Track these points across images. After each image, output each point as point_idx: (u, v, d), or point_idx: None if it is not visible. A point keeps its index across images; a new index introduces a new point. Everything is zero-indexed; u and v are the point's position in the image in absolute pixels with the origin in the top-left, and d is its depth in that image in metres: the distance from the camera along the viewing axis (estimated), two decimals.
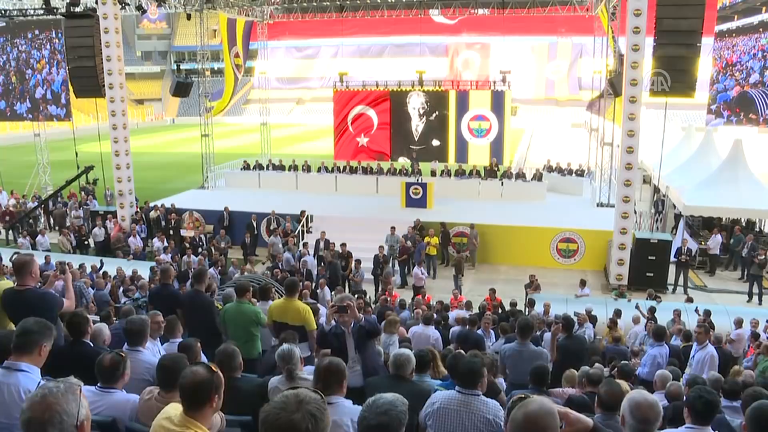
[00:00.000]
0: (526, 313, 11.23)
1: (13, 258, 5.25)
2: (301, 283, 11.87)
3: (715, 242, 16.84)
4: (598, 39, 23.07)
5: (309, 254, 15.85)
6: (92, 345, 4.36)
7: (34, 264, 4.85)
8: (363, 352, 5.06)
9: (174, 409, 2.62)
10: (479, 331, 8.67)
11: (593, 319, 10.80)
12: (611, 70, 20.36)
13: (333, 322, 5.19)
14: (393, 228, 16.58)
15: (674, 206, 18.68)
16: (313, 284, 12.90)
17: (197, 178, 25.33)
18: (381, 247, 15.59)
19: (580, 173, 23.14)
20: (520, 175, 21.95)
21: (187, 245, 16.53)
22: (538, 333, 8.37)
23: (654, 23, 14.06)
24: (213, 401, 2.57)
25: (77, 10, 19.32)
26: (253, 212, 18.52)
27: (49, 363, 3.26)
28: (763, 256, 15.12)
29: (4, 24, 24.10)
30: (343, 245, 15.63)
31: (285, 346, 4.19)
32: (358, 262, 14.94)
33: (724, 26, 25.28)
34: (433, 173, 22.23)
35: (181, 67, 24.45)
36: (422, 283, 14.99)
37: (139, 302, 9.07)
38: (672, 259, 15.72)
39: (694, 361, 7.63)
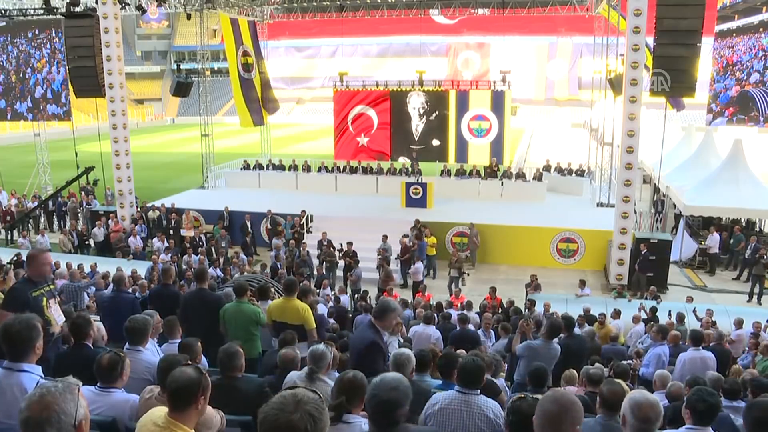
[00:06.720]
0: (527, 313, 11.18)
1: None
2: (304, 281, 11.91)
3: (713, 240, 16.83)
4: (599, 39, 23.04)
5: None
6: (92, 347, 4.35)
7: (43, 257, 5.05)
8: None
9: (160, 410, 2.62)
10: (479, 331, 8.66)
11: (591, 320, 10.77)
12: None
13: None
14: (385, 236, 16.07)
15: (674, 206, 18.67)
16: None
17: (197, 178, 25.33)
18: (380, 248, 15.56)
19: (580, 173, 23.12)
20: (520, 175, 21.93)
21: (187, 245, 16.53)
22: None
23: (654, 23, 14.07)
24: (198, 403, 2.56)
25: (77, 9, 19.28)
26: (252, 212, 18.48)
27: (52, 367, 3.23)
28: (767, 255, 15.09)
29: (4, 24, 24.07)
30: (350, 244, 15.49)
31: (321, 346, 4.18)
32: (357, 261, 14.92)
33: (724, 26, 25.26)
34: (443, 173, 22.16)
35: (181, 67, 24.34)
36: (420, 278, 14.92)
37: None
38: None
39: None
